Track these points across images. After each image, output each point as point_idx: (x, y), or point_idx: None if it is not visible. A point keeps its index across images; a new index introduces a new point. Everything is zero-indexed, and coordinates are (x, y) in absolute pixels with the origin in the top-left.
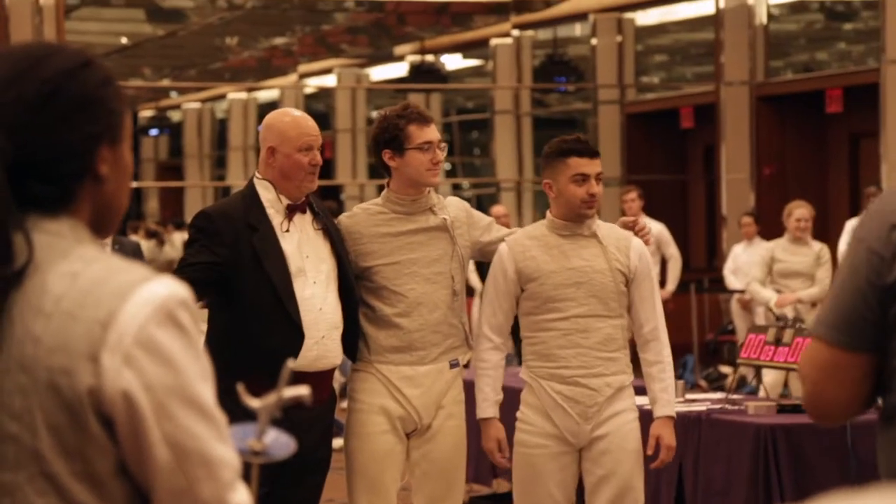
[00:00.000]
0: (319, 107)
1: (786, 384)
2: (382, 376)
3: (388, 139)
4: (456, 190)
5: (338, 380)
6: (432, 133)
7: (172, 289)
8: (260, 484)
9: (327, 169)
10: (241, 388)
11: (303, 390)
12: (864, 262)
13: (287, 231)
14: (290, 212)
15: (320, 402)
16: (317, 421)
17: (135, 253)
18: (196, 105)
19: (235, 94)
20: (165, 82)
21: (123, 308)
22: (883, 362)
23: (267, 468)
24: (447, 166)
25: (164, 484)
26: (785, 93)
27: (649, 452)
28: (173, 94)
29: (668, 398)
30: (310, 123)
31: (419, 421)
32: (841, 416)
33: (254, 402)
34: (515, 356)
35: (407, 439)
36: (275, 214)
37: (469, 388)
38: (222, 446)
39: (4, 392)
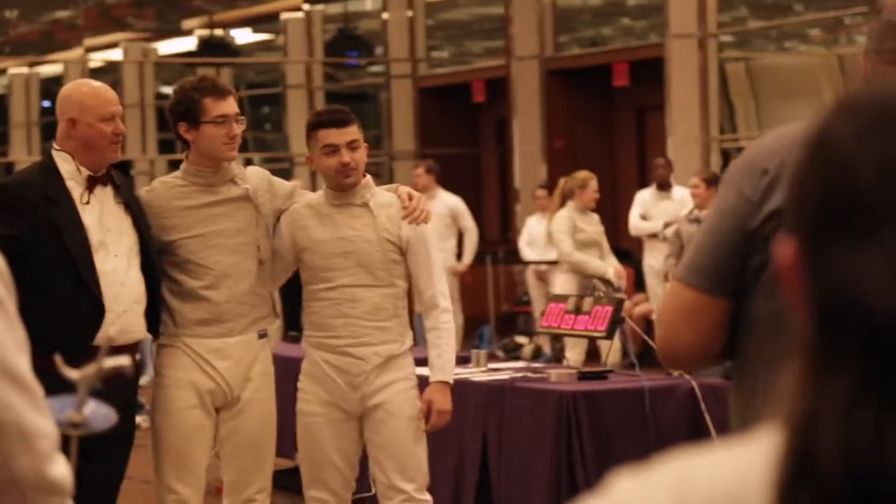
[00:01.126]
0: (106, 81)
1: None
2: (190, 350)
3: (183, 112)
4: (248, 165)
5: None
6: (229, 106)
7: None
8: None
9: None
10: (58, 359)
11: (123, 360)
12: (732, 207)
13: (87, 203)
14: (91, 183)
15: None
16: (117, 395)
17: None
18: None
19: (17, 69)
20: None
21: None
22: (740, 309)
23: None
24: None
25: None
26: (573, 67)
27: (422, 417)
28: None
29: (442, 364)
30: (110, 94)
31: (230, 393)
32: (693, 360)
33: (73, 374)
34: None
35: (216, 414)
36: (75, 186)
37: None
38: (40, 418)
39: None
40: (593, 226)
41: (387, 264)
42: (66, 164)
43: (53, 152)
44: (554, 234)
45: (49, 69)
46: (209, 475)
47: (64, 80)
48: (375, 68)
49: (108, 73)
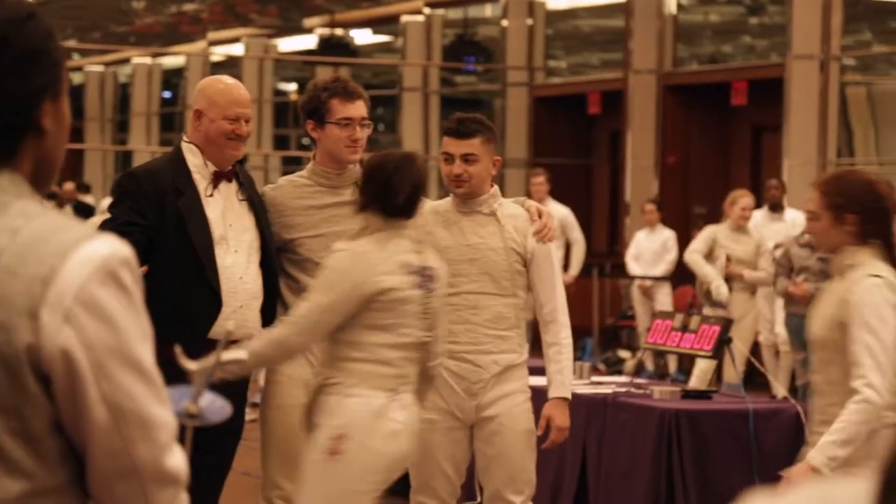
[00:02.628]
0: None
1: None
2: None
3: (311, 110)
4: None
5: None
6: (355, 109)
7: (115, 248)
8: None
9: None
10: (178, 350)
11: (240, 354)
12: None
13: (211, 196)
14: (216, 178)
15: None
16: (230, 389)
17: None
18: (99, 68)
19: (140, 59)
20: (70, 43)
21: (65, 266)
22: None
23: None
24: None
25: (101, 443)
26: (691, 83)
27: (539, 433)
28: (76, 55)
29: (563, 380)
30: (241, 95)
31: None
32: None
33: (191, 365)
34: None
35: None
36: (200, 180)
37: None
38: (160, 407)
39: None
40: (740, 244)
41: (511, 274)
42: (193, 158)
43: (183, 144)
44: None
45: (171, 61)
46: None
47: (186, 72)
48: (491, 75)
49: (229, 67)
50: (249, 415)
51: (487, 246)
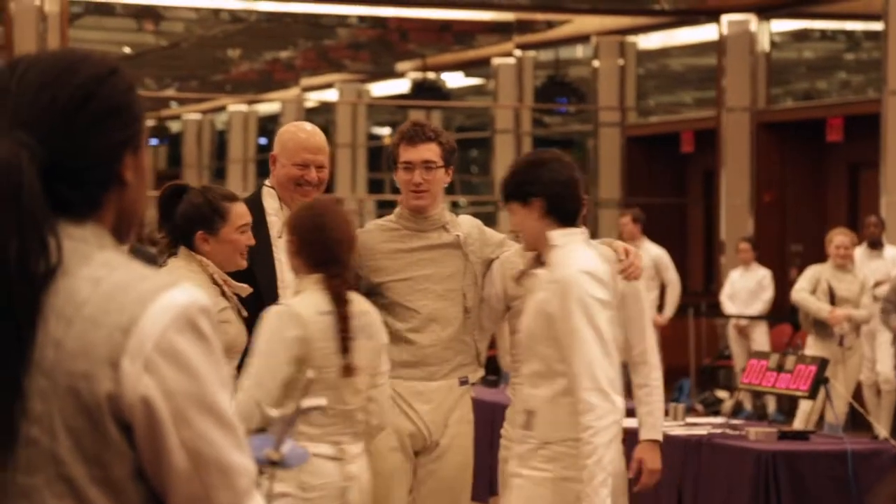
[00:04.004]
0: (320, 121)
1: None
2: (393, 392)
3: (388, 156)
4: (454, 207)
5: None
6: (416, 153)
7: (193, 296)
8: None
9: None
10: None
11: (320, 401)
12: None
13: (280, 238)
14: None
15: None
16: None
17: (151, 263)
18: (196, 116)
19: (236, 107)
20: (169, 92)
21: (145, 314)
22: None
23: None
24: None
25: (181, 490)
26: (786, 120)
27: (631, 475)
28: (174, 104)
29: (654, 422)
30: (313, 141)
31: (429, 437)
32: None
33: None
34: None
35: (415, 457)
36: (276, 222)
37: (477, 406)
38: (239, 454)
39: (25, 396)
40: (844, 283)
41: None
42: (271, 201)
43: (263, 187)
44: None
45: (267, 108)
46: None
47: (281, 118)
48: (584, 115)
49: (323, 112)
50: None
51: None
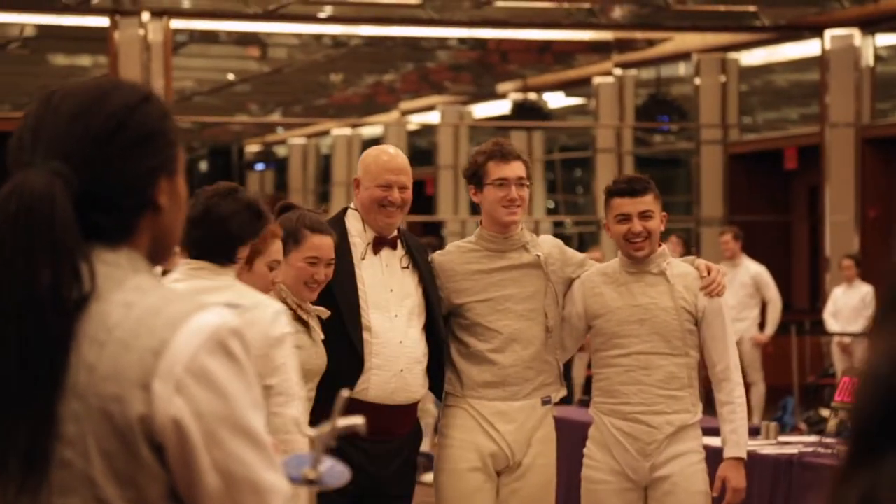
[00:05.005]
0: (422, 143)
1: None
2: (475, 411)
3: (471, 174)
4: (557, 227)
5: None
6: (510, 170)
7: (224, 318)
8: None
9: (429, 205)
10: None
11: (357, 420)
12: None
13: (364, 259)
14: (377, 244)
15: (400, 436)
16: (396, 454)
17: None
18: (301, 140)
19: (339, 130)
20: (274, 117)
21: (175, 337)
22: None
23: (345, 500)
24: (550, 204)
25: None
26: (891, 135)
27: (714, 494)
28: (279, 129)
29: (737, 439)
30: (396, 162)
31: (511, 457)
32: None
33: (309, 431)
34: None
35: (497, 477)
36: (360, 244)
37: (562, 426)
38: (272, 474)
39: (59, 419)
40: None
41: (683, 333)
42: (355, 223)
43: (348, 210)
44: None
45: (370, 131)
46: None
47: (383, 141)
48: (686, 133)
49: (425, 135)
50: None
51: (658, 306)
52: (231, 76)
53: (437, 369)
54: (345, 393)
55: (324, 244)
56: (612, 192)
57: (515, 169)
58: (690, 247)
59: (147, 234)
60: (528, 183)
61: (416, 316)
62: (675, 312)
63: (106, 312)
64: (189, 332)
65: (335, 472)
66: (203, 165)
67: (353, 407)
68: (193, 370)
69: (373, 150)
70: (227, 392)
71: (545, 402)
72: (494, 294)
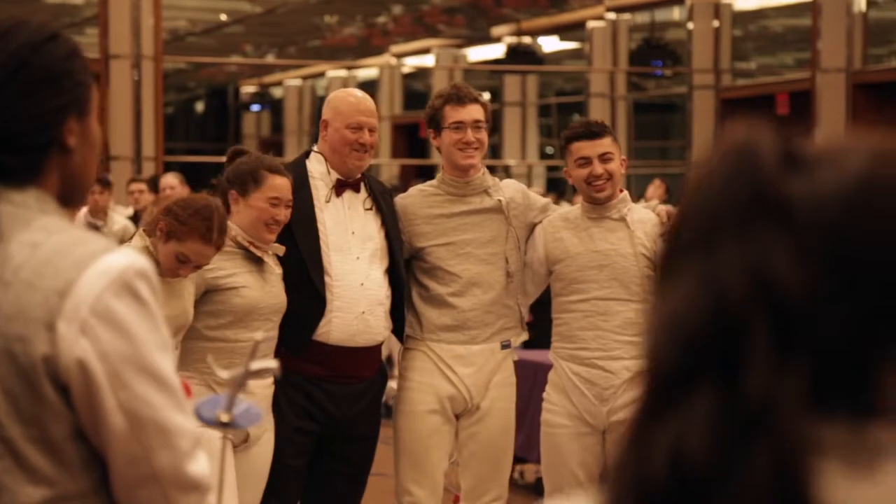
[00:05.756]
0: (418, 86)
1: None
2: (434, 354)
3: (429, 119)
4: (552, 171)
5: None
6: (466, 113)
7: (131, 260)
8: (299, 454)
9: (423, 148)
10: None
11: (270, 363)
12: None
13: (328, 203)
14: (339, 187)
15: (364, 378)
16: (361, 396)
17: None
18: (297, 82)
19: (335, 72)
20: (267, 59)
21: (81, 278)
22: None
23: (308, 439)
24: (548, 150)
25: (120, 451)
26: (882, 80)
27: None
28: (276, 71)
29: None
30: (366, 104)
31: (469, 400)
32: None
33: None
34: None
35: (456, 420)
36: (322, 187)
37: (521, 368)
38: (180, 415)
39: None
40: None
41: (642, 279)
42: (317, 165)
43: (311, 153)
44: None
45: (365, 73)
46: (448, 481)
47: (379, 83)
48: (679, 78)
49: (420, 77)
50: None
51: (617, 252)
52: (223, 16)
53: (398, 312)
54: (258, 336)
55: (283, 185)
56: (570, 138)
57: (472, 112)
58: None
59: (56, 174)
60: (485, 126)
61: (378, 258)
62: (634, 259)
63: (11, 253)
64: (95, 273)
65: (250, 414)
66: (199, 106)
67: (316, 349)
68: (99, 311)
69: (340, 93)
70: (132, 333)
71: (504, 346)
72: (455, 238)
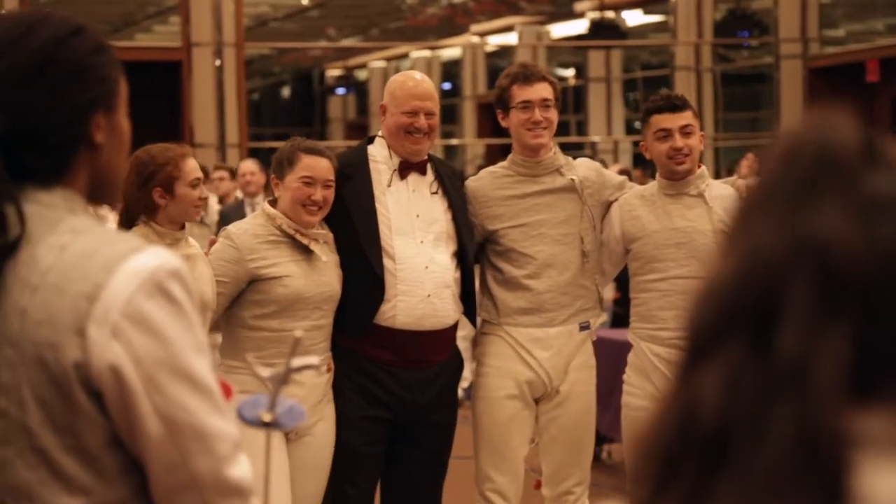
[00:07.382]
0: (502, 64)
1: None
2: (511, 338)
3: (497, 99)
4: (638, 147)
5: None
6: (534, 92)
7: (162, 259)
8: (373, 443)
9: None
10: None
11: (312, 360)
12: None
13: (390, 186)
14: (403, 170)
15: (436, 363)
16: (433, 381)
17: None
18: (381, 64)
19: (419, 53)
20: (350, 41)
21: (111, 280)
22: None
23: (381, 427)
24: (635, 125)
25: (158, 457)
26: None
27: None
28: (360, 54)
29: None
30: (422, 88)
31: (549, 384)
32: None
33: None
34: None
35: (535, 404)
36: (384, 170)
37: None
38: (218, 419)
39: None
40: None
41: None
42: (380, 149)
43: (376, 137)
44: None
45: (449, 53)
46: (529, 465)
47: (462, 63)
48: (766, 48)
49: (503, 56)
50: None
51: (696, 229)
52: (305, 1)
53: (468, 296)
54: (298, 333)
55: (318, 165)
56: (650, 110)
57: (539, 91)
58: None
59: (84, 172)
60: (553, 104)
61: (444, 241)
62: (713, 235)
63: (39, 256)
64: (125, 275)
65: (293, 413)
66: (286, 91)
67: (382, 334)
68: (130, 314)
69: (398, 77)
70: (166, 336)
71: (583, 327)
72: (528, 219)
